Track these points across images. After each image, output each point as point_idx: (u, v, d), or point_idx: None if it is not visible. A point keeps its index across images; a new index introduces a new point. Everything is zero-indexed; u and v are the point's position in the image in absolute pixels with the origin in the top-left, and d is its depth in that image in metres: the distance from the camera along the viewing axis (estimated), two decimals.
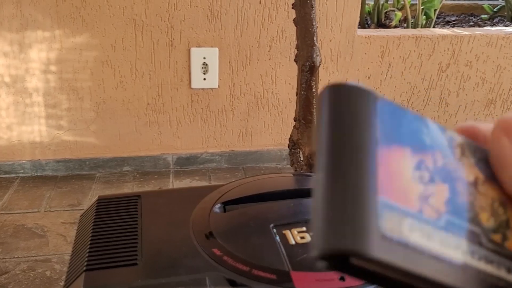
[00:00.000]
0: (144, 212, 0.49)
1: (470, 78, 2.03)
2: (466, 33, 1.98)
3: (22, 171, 1.96)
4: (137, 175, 1.99)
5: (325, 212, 0.17)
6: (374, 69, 1.96)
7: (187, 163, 2.01)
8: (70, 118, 1.88)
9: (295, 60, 1.10)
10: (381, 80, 1.98)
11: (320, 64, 1.04)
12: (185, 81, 1.87)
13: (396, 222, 0.18)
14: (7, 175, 1.96)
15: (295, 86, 1.19)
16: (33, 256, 1.58)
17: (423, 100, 2.04)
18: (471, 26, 2.45)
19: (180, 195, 0.53)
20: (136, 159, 1.98)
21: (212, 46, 1.83)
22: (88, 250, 0.42)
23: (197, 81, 1.86)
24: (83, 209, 1.68)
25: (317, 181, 0.18)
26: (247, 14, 1.81)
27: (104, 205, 0.51)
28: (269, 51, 1.88)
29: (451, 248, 0.20)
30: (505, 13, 2.60)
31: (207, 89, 1.89)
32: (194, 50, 1.82)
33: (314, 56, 1.02)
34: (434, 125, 0.22)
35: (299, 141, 1.06)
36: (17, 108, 1.84)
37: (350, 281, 0.37)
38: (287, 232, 0.42)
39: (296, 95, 1.10)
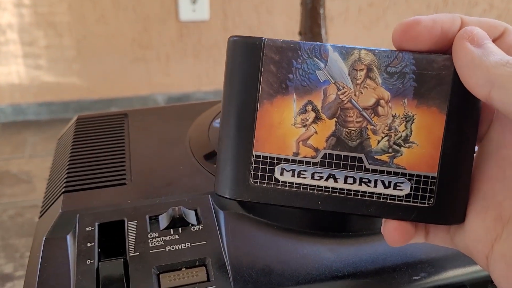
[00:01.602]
0: (132, 130, 0.40)
1: (477, 3, 1.90)
2: None
3: (2, 115, 1.84)
4: None
5: (217, 165, 0.25)
6: None
7: (177, 103, 1.90)
8: (50, 56, 1.75)
9: None
10: (383, 8, 1.85)
11: None
12: (173, 13, 1.73)
13: (267, 169, 0.24)
14: None
15: (293, 17, 1.07)
16: (19, 202, 1.49)
17: None
18: None
19: (174, 111, 0.43)
20: (123, 100, 1.86)
21: None
22: (66, 171, 0.34)
23: (186, 12, 1.72)
24: None
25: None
26: None
27: (84, 125, 0.41)
28: None
29: (323, 180, 0.24)
30: None
31: (197, 21, 1.75)
32: None
33: None
34: (335, 54, 0.23)
35: None
36: None
37: None
38: None
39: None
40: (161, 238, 0.28)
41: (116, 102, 1.87)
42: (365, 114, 0.24)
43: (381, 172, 0.24)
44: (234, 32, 1.78)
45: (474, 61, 0.21)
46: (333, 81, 0.24)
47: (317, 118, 0.24)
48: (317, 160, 0.24)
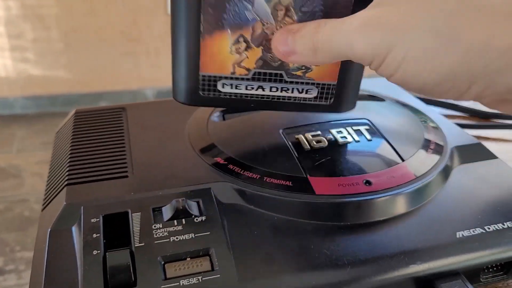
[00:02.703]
0: (131, 124, 0.40)
1: None
2: None
3: None
4: None
5: (173, 78, 0.33)
6: None
7: (169, 97, 1.90)
8: (37, 50, 1.73)
9: None
10: None
11: None
12: (162, 6, 1.72)
13: (212, 84, 0.33)
14: None
15: None
16: (9, 197, 1.48)
17: None
18: None
19: (172, 105, 0.44)
20: (112, 94, 1.86)
21: None
22: (68, 164, 0.34)
23: None
24: None
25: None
26: None
27: (83, 118, 0.41)
28: None
29: (254, 90, 0.33)
30: None
31: None
32: None
33: None
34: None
35: None
36: None
37: (377, 185, 0.32)
38: (300, 137, 0.34)
39: None
40: (165, 229, 0.28)
41: (105, 96, 1.86)
42: None
43: (296, 82, 0.33)
44: None
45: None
46: (259, 19, 0.30)
47: (248, 47, 0.31)
48: (249, 76, 0.33)
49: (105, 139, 0.37)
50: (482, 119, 0.55)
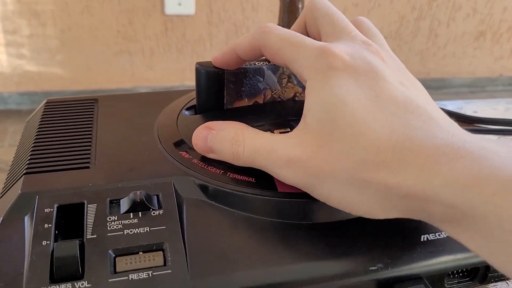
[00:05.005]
0: (101, 115, 0.40)
1: (461, 7, 1.92)
2: None
3: None
4: None
5: None
6: None
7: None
8: (33, 46, 1.73)
9: None
10: (368, 9, 1.86)
11: None
12: (158, 6, 1.72)
13: None
14: None
15: (277, 14, 1.07)
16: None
17: (412, 31, 1.93)
18: None
19: (145, 99, 0.43)
20: (106, 92, 1.85)
21: None
22: (30, 153, 0.33)
23: (172, 6, 1.71)
24: None
25: None
26: None
27: (53, 108, 0.41)
28: None
29: None
30: None
31: (183, 15, 1.75)
32: None
33: None
34: (269, 71, 0.37)
35: None
36: None
37: None
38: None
39: None
40: (120, 221, 0.27)
41: (99, 93, 1.85)
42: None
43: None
44: (219, 27, 1.78)
45: None
46: (268, 87, 0.38)
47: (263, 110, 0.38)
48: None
49: (72, 130, 0.37)
50: (465, 123, 0.54)
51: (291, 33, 0.30)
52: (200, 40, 1.81)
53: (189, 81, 1.86)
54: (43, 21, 1.69)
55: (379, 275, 0.27)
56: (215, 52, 1.81)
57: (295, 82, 0.39)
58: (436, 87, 2.01)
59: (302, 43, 0.29)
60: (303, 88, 0.39)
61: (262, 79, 0.38)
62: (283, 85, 0.38)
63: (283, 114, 0.38)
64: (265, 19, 1.80)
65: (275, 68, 0.38)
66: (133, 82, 1.84)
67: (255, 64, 0.37)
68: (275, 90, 0.38)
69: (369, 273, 0.27)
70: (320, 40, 0.32)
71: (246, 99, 0.38)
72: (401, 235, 0.29)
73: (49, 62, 1.78)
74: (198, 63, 0.37)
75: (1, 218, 0.28)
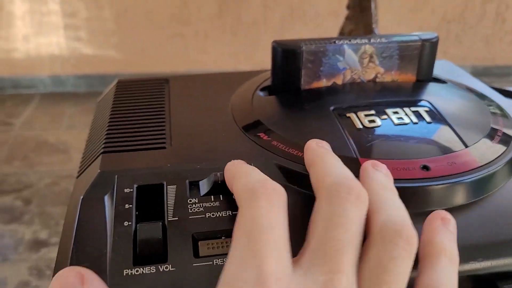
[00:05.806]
0: (173, 96, 0.39)
1: None
2: None
3: (42, 86, 1.88)
4: None
5: None
6: None
7: None
8: (90, 29, 1.76)
9: None
10: None
11: None
12: None
13: None
14: (27, 91, 1.88)
15: None
16: (56, 171, 1.52)
17: (477, 15, 1.84)
18: None
19: (216, 79, 0.42)
20: (160, 76, 1.87)
21: None
22: (106, 132, 0.33)
23: None
24: None
25: None
26: None
27: (124, 88, 0.40)
28: None
29: None
30: None
31: None
32: None
33: None
34: (349, 50, 0.36)
35: (353, 33, 0.90)
36: (33, 18, 1.72)
37: (435, 171, 0.28)
38: (352, 115, 0.32)
39: None
40: (201, 204, 0.26)
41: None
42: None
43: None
44: (274, 10, 1.76)
45: None
46: (348, 67, 0.37)
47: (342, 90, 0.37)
48: None
49: (145, 110, 0.36)
50: None
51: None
52: (255, 23, 1.79)
53: (243, 65, 1.85)
54: (100, 4, 1.71)
55: (479, 270, 0.25)
56: (270, 37, 1.79)
57: (377, 62, 0.37)
58: (501, 74, 1.90)
59: None
60: (385, 68, 0.37)
61: (342, 59, 0.36)
62: (364, 65, 0.37)
63: (363, 96, 0.36)
64: (322, 1, 1.75)
65: (356, 46, 0.36)
66: (187, 65, 1.85)
67: (335, 43, 0.35)
68: (355, 70, 0.37)
69: (468, 267, 0.25)
70: None
71: (324, 80, 0.36)
72: (501, 228, 0.27)
73: (105, 45, 1.81)
74: (274, 41, 0.35)
75: (81, 197, 0.27)
